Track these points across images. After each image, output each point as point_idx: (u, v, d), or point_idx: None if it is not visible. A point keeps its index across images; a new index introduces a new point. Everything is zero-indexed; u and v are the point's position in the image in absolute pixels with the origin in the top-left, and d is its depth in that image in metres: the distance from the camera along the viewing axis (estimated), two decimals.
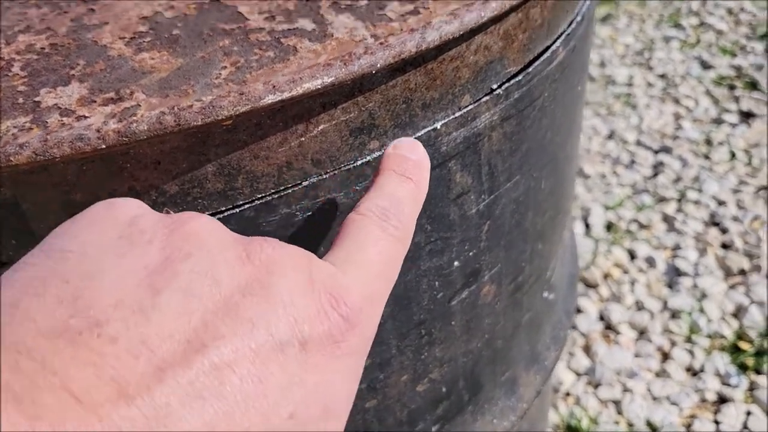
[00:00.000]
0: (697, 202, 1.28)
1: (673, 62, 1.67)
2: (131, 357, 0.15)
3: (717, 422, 0.96)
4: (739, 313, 1.09)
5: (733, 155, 1.38)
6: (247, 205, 0.27)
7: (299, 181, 0.28)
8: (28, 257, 0.18)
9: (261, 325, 0.17)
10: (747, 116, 1.47)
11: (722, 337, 1.06)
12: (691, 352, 1.05)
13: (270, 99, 0.24)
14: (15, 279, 0.17)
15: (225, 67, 0.28)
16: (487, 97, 0.30)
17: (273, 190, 0.28)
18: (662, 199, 1.30)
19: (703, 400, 0.99)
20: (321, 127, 0.26)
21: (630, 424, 0.97)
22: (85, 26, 0.32)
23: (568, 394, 1.02)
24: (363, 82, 0.26)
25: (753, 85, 1.55)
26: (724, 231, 1.22)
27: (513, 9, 0.28)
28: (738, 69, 1.61)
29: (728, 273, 1.15)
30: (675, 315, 1.10)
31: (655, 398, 1.00)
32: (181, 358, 0.16)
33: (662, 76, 1.63)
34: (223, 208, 0.27)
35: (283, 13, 0.31)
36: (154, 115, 0.23)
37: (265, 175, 0.27)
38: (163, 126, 0.23)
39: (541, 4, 0.31)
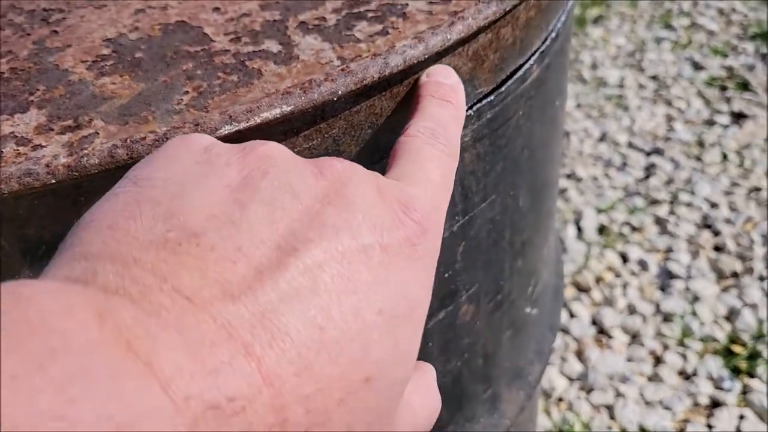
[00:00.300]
0: (689, 205, 1.28)
1: (665, 63, 1.67)
2: (230, 262, 0.16)
3: (710, 426, 0.96)
4: (731, 316, 1.08)
5: (725, 157, 1.38)
6: None
7: None
8: (116, 188, 0.19)
9: (344, 230, 0.18)
10: (738, 117, 1.47)
11: (715, 340, 1.05)
12: (683, 356, 1.04)
13: (226, 129, 0.23)
14: (107, 206, 0.18)
15: (187, 92, 0.27)
16: None
17: None
18: (654, 202, 1.29)
19: (696, 404, 0.99)
20: None
21: (623, 430, 0.97)
22: (48, 49, 0.31)
23: (560, 400, 1.02)
24: (325, 109, 0.25)
25: (744, 86, 1.54)
26: (716, 233, 1.22)
27: (481, 30, 0.28)
28: (729, 70, 1.61)
29: (721, 276, 1.14)
30: (667, 318, 1.09)
31: (647, 403, 1.00)
32: (276, 261, 0.17)
33: (654, 78, 1.63)
34: None
35: (250, 34, 0.31)
36: (105, 148, 0.22)
37: None
38: (115, 160, 0.22)
39: (512, 23, 0.30)
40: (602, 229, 1.25)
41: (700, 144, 1.42)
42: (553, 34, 0.34)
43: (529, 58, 0.33)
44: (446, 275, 0.34)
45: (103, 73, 0.29)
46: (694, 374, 1.02)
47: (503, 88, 0.31)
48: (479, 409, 0.44)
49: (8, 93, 0.28)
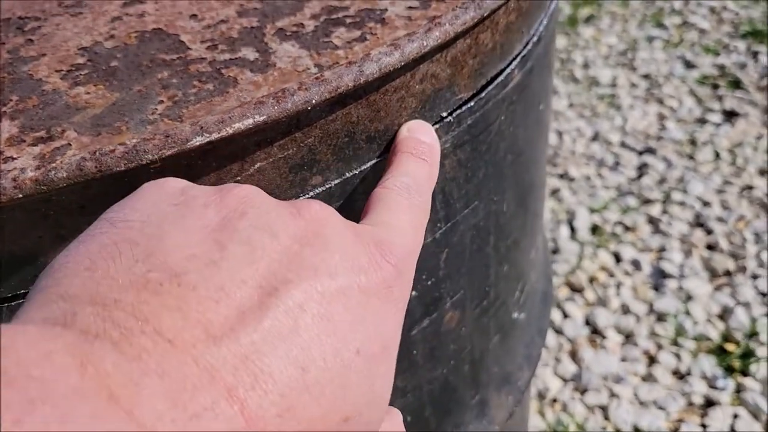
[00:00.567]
0: (681, 204, 1.28)
1: (657, 62, 1.67)
2: (212, 302, 0.16)
3: (704, 426, 0.96)
4: (724, 314, 1.08)
5: (717, 155, 1.38)
6: None
7: None
8: (91, 229, 0.19)
9: (323, 270, 0.18)
10: (730, 115, 1.47)
11: (708, 339, 1.05)
12: (677, 356, 1.04)
13: (198, 141, 0.23)
14: (83, 248, 0.18)
15: (162, 102, 0.27)
16: (437, 126, 0.29)
17: None
18: (647, 201, 1.29)
19: (690, 404, 0.99)
20: (257, 165, 0.25)
21: (617, 430, 0.97)
22: (22, 58, 0.31)
23: (554, 401, 1.02)
24: (299, 119, 0.25)
25: (736, 84, 1.54)
26: (709, 232, 1.22)
27: (459, 36, 0.27)
28: (721, 68, 1.61)
29: (714, 274, 1.14)
30: (661, 318, 1.09)
31: (642, 403, 1.00)
32: (258, 301, 0.17)
33: (646, 77, 1.63)
34: None
35: (226, 42, 0.30)
36: (74, 161, 0.22)
37: None
38: (84, 173, 0.22)
39: (491, 28, 0.30)
40: (595, 229, 1.25)
41: (693, 143, 1.42)
42: (535, 38, 0.34)
43: (510, 63, 0.32)
44: (429, 283, 0.34)
45: (78, 83, 0.29)
46: (688, 373, 1.02)
47: (483, 94, 0.31)
48: (467, 415, 0.43)
49: None
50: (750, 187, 1.29)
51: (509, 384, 0.46)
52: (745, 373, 1.00)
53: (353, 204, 0.29)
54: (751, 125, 1.44)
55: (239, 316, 0.16)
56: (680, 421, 0.97)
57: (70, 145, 0.25)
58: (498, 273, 0.39)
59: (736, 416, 0.96)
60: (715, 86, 1.56)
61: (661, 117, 1.50)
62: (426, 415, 0.40)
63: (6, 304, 0.26)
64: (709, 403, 0.98)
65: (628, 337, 1.08)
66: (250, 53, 0.29)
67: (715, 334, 1.06)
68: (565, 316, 1.11)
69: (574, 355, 1.07)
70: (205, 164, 0.24)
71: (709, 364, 1.02)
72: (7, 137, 0.26)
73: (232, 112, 0.23)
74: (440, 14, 0.28)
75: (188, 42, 0.31)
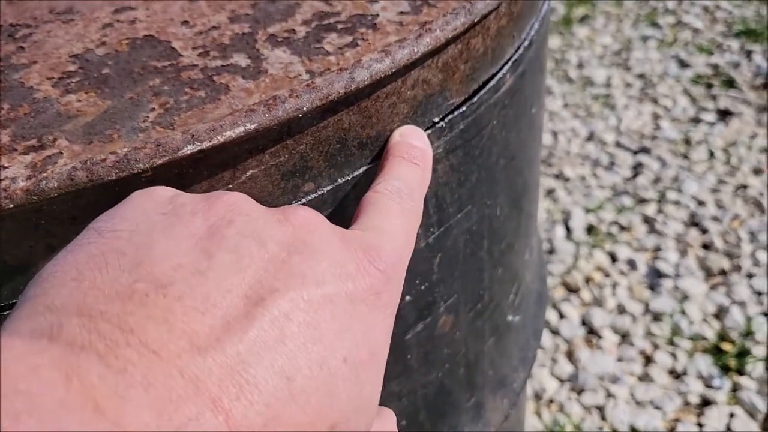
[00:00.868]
0: (677, 203, 1.28)
1: (651, 62, 1.67)
2: (198, 312, 0.16)
3: (701, 425, 0.96)
4: (720, 313, 1.08)
5: (711, 154, 1.39)
6: None
7: None
8: (80, 239, 0.19)
9: (310, 278, 0.18)
10: (724, 115, 1.48)
11: (704, 338, 1.06)
12: (673, 355, 1.04)
13: (189, 149, 0.23)
14: (71, 258, 0.18)
15: (153, 109, 0.27)
16: (429, 131, 0.29)
17: None
18: (642, 201, 1.30)
19: (687, 403, 0.99)
20: (249, 173, 0.25)
21: (614, 430, 0.97)
22: (13, 66, 0.31)
23: (551, 401, 1.02)
24: (291, 126, 0.25)
25: (730, 83, 1.55)
26: (704, 231, 1.22)
27: (450, 42, 0.27)
28: (715, 67, 1.62)
29: (709, 273, 1.15)
30: (657, 318, 1.09)
31: (638, 403, 1.00)
32: (243, 311, 0.17)
33: (640, 76, 1.63)
34: None
35: (218, 48, 0.30)
36: (65, 170, 0.22)
37: None
38: (75, 182, 0.22)
39: (482, 33, 0.30)
40: (591, 229, 1.26)
41: (687, 142, 1.42)
42: (527, 42, 0.34)
43: (502, 67, 0.32)
44: (423, 287, 0.34)
45: (69, 91, 0.29)
46: (684, 373, 1.02)
47: (475, 99, 0.31)
48: (463, 418, 0.43)
49: None
50: (744, 186, 1.30)
51: (504, 386, 0.46)
52: (741, 372, 1.01)
53: (345, 210, 0.29)
54: (745, 124, 1.44)
55: (225, 327, 0.16)
56: (677, 420, 0.97)
57: (62, 153, 0.25)
58: (492, 276, 0.39)
59: (732, 415, 0.96)
60: (709, 85, 1.56)
61: (656, 116, 1.51)
62: (421, 419, 0.40)
63: None
64: (706, 403, 0.98)
65: (624, 337, 1.08)
66: (241, 60, 0.29)
67: (710, 333, 1.06)
68: (562, 316, 1.12)
69: (570, 356, 1.07)
70: (196, 172, 0.24)
71: (705, 363, 1.02)
72: None
73: (223, 120, 0.23)
74: (431, 20, 0.28)
75: (180, 49, 0.31)
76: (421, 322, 0.35)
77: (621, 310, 1.11)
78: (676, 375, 1.02)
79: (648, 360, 1.05)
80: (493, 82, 0.32)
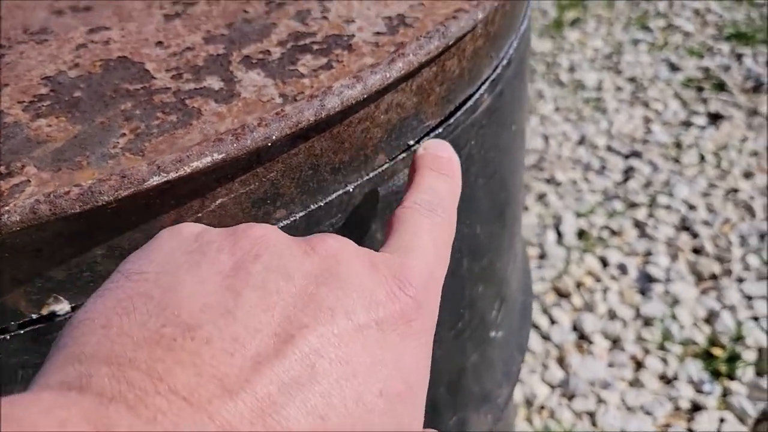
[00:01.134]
0: (667, 207, 1.28)
1: (642, 65, 1.68)
2: (227, 354, 0.16)
3: (691, 430, 0.96)
4: (710, 318, 1.09)
5: (702, 158, 1.39)
6: None
7: None
8: (108, 283, 0.19)
9: (339, 311, 0.18)
10: (715, 118, 1.48)
11: (695, 343, 1.06)
12: (664, 360, 1.04)
13: (155, 180, 0.22)
14: (100, 303, 0.18)
15: (124, 134, 0.26)
16: (404, 154, 0.29)
17: None
18: (633, 205, 1.30)
19: (677, 409, 0.99)
20: (219, 201, 0.25)
21: None
22: None
23: (542, 408, 1.02)
24: (260, 154, 0.24)
25: (720, 87, 1.55)
26: (694, 235, 1.22)
27: (423, 65, 0.27)
28: (706, 70, 1.62)
29: (699, 278, 1.15)
30: (648, 322, 1.10)
31: (629, 408, 1.00)
32: (273, 349, 0.16)
33: (631, 80, 1.64)
34: None
35: (192, 70, 0.30)
36: (27, 204, 0.22)
37: None
38: (38, 216, 0.21)
39: (458, 55, 0.30)
40: (582, 234, 1.26)
41: (678, 146, 1.43)
42: (505, 62, 0.34)
43: (479, 88, 0.32)
44: None
45: (39, 115, 0.28)
46: (675, 378, 1.02)
47: (452, 120, 0.31)
48: None
49: None
50: (735, 190, 1.30)
51: (489, 402, 0.46)
52: (731, 377, 1.01)
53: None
54: (736, 128, 1.44)
55: (254, 367, 0.16)
56: (667, 425, 0.97)
57: (29, 181, 0.24)
58: (473, 294, 0.39)
59: (722, 420, 0.96)
60: (700, 89, 1.57)
61: (647, 120, 1.51)
62: None
63: None
64: (696, 408, 0.99)
65: (615, 342, 1.08)
66: (215, 82, 0.29)
67: (701, 338, 1.06)
68: (552, 321, 1.12)
69: (561, 361, 1.07)
70: (163, 203, 0.24)
71: (695, 368, 1.02)
72: None
73: (190, 150, 0.23)
74: (406, 41, 0.28)
75: (153, 71, 0.30)
76: None
77: (612, 315, 1.11)
78: (667, 380, 1.02)
79: (639, 365, 1.05)
80: (470, 103, 0.32)
